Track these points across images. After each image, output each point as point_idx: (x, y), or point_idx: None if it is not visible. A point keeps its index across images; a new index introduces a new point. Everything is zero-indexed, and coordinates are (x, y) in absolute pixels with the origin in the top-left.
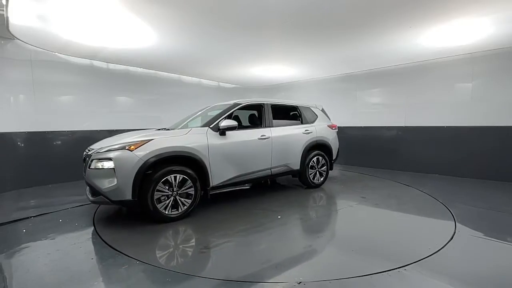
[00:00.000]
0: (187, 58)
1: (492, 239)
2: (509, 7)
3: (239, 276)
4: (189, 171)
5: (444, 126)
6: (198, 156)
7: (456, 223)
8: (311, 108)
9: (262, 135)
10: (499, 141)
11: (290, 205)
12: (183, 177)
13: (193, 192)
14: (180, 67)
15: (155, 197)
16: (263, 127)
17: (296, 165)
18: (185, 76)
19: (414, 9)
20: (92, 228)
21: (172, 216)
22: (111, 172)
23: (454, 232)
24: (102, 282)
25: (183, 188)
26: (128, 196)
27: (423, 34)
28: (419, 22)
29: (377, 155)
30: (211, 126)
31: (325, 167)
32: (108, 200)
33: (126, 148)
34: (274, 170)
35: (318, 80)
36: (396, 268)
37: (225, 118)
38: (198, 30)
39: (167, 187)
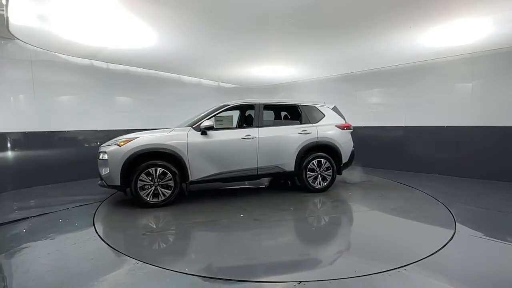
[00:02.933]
0: (187, 58)
1: (492, 239)
2: (509, 7)
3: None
4: (168, 165)
5: (444, 126)
6: (177, 153)
7: (456, 223)
8: (317, 107)
9: (246, 135)
10: (499, 141)
11: (264, 207)
12: (163, 170)
13: (172, 184)
14: (180, 67)
15: (138, 185)
16: (252, 127)
17: (289, 166)
18: (185, 76)
19: (414, 9)
20: (92, 228)
21: (152, 203)
22: (106, 162)
23: (454, 232)
24: (102, 282)
25: (163, 180)
26: (117, 182)
27: (423, 34)
28: (419, 22)
29: (377, 155)
30: (193, 126)
31: (330, 171)
32: (106, 184)
33: (117, 144)
34: (261, 170)
35: (318, 80)
36: (396, 268)
37: (208, 119)
38: (198, 30)
39: (150, 178)
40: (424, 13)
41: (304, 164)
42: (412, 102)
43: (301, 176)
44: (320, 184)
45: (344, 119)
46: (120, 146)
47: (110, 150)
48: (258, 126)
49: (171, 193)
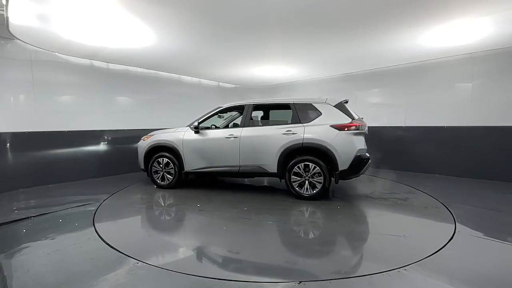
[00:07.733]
0: (187, 58)
1: (492, 239)
2: (509, 7)
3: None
4: (171, 156)
5: (444, 126)
6: (175, 147)
7: (456, 223)
8: (314, 105)
9: (230, 134)
10: (499, 141)
11: (226, 201)
12: (167, 160)
13: (173, 172)
14: (180, 67)
15: (153, 170)
16: (238, 127)
17: (272, 168)
18: (185, 76)
19: (414, 9)
20: (92, 228)
21: (161, 184)
22: (137, 151)
23: (454, 232)
24: (102, 282)
25: (168, 168)
26: (142, 166)
27: (423, 34)
28: (419, 22)
29: (377, 156)
30: (191, 126)
31: (321, 177)
32: (139, 167)
33: (143, 139)
34: (243, 169)
35: (318, 80)
36: (396, 268)
37: (199, 121)
38: (197, 31)
39: (160, 166)
40: (424, 13)
41: (289, 167)
42: (412, 102)
43: (286, 180)
44: (307, 191)
45: (351, 118)
46: (144, 140)
47: (139, 142)
48: (243, 126)
49: (172, 179)
